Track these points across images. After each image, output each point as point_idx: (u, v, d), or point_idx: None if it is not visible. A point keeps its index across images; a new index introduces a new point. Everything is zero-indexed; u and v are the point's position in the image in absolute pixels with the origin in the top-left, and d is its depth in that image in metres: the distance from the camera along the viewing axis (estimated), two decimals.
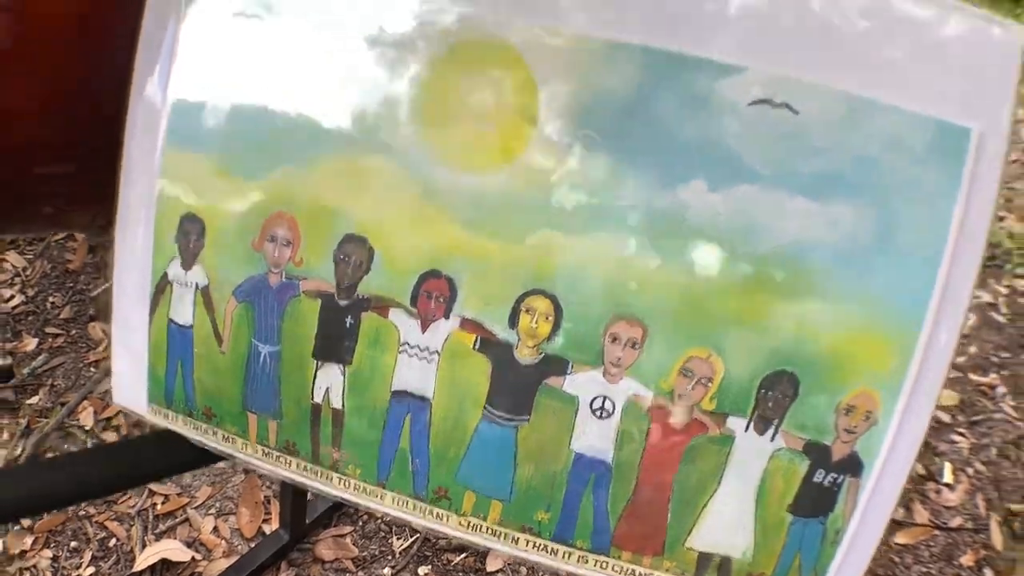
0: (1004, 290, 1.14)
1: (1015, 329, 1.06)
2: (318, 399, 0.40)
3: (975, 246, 0.33)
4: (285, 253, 0.38)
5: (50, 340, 0.95)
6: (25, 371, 0.89)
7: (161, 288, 0.42)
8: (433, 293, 0.36)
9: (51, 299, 0.99)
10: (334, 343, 0.39)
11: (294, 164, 0.37)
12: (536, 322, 0.35)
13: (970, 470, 0.86)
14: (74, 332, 0.95)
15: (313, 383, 0.40)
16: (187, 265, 0.41)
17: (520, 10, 0.34)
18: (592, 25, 0.33)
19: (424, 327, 0.37)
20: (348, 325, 0.38)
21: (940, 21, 0.32)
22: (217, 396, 0.42)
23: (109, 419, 0.86)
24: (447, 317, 0.36)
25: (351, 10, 0.36)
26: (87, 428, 0.84)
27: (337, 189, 0.37)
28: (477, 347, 0.36)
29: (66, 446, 0.82)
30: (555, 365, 0.36)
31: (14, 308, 0.96)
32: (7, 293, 0.98)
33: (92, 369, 0.90)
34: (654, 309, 0.34)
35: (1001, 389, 0.97)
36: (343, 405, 0.39)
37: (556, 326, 0.35)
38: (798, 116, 0.32)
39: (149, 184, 0.41)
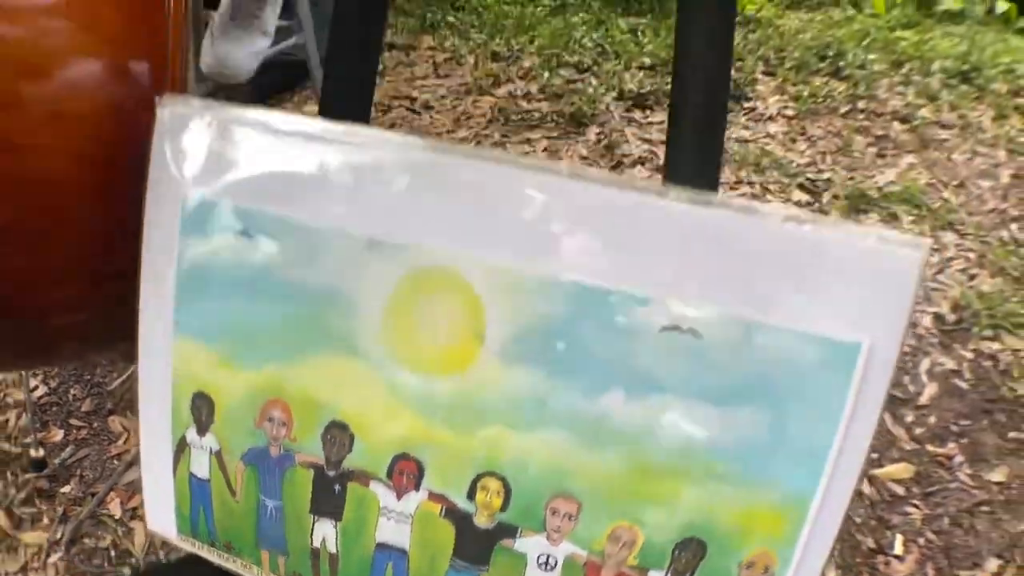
0: (969, 355, 1.19)
1: (978, 395, 1.12)
2: (316, 544, 0.47)
3: (862, 438, 0.38)
4: (282, 431, 0.46)
5: (74, 432, 1.03)
6: (56, 461, 0.97)
7: (181, 449, 0.49)
8: (404, 471, 0.44)
9: (72, 391, 1.08)
10: (326, 504, 0.46)
11: (284, 362, 0.45)
12: (490, 498, 0.43)
13: (921, 540, 0.92)
14: (96, 425, 1.03)
15: (312, 533, 0.47)
16: (201, 432, 0.48)
17: (468, 246, 0.42)
18: (529, 263, 0.41)
19: (399, 496, 0.44)
20: (336, 491, 0.46)
21: (839, 246, 0.37)
22: (234, 534, 0.50)
23: (135, 509, 0.94)
24: (417, 489, 0.44)
25: (326, 244, 0.44)
26: (116, 517, 0.92)
27: (321, 384, 0.44)
28: (443, 514, 0.44)
29: (99, 532, 0.90)
30: (507, 530, 0.43)
31: (39, 399, 1.05)
32: (32, 383, 1.06)
33: (115, 461, 0.98)
34: (586, 490, 0.41)
35: (959, 458, 1.03)
36: (337, 551, 0.47)
37: (506, 500, 0.42)
38: (702, 339, 0.39)
39: (164, 366, 0.48)
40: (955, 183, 1.76)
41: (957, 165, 1.83)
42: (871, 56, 2.31)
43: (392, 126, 1.93)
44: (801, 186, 1.69)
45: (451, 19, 2.46)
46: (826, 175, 1.74)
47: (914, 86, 2.17)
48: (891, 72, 2.25)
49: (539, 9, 2.57)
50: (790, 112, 1.96)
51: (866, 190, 1.68)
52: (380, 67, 2.12)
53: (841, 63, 2.24)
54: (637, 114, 1.91)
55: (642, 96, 1.97)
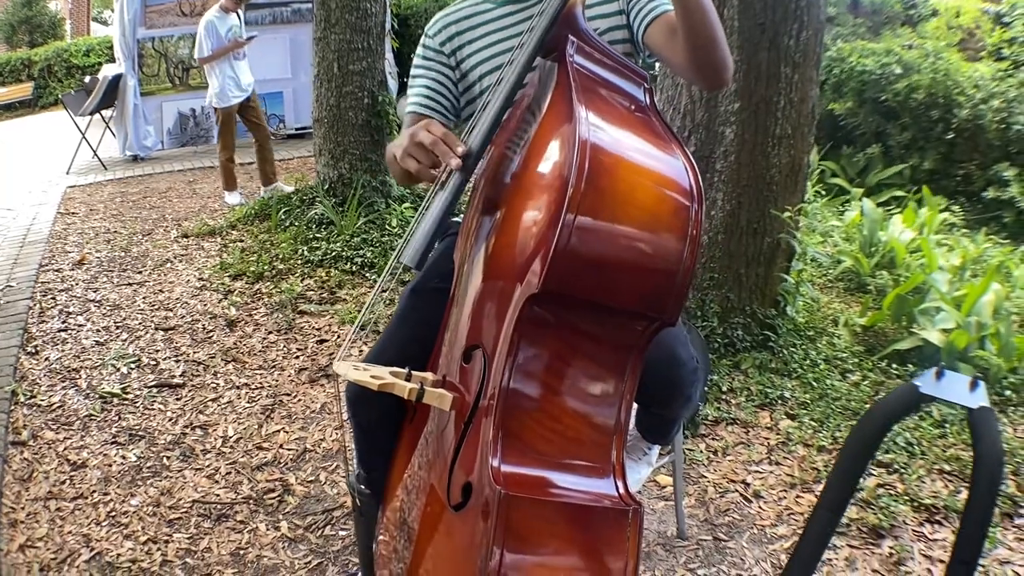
0: None
1: None
2: None
3: None
4: None
5: None
6: None
7: None
8: None
9: None
10: None
11: None
12: None
13: None
14: None
15: None
16: None
17: None
18: None
19: None
20: None
21: None
22: None
23: None
24: None
25: None
26: None
27: None
28: None
29: None
30: None
31: None
32: None
33: None
34: None
35: None
36: None
37: None
38: None
39: None
40: None
41: None
42: None
43: (727, 510, 2.57)
44: None
45: (787, 395, 3.10)
46: None
47: None
48: None
49: (863, 384, 3.12)
50: None
51: None
52: (723, 443, 2.81)
53: None
54: (926, 529, 2.38)
55: (935, 509, 2.44)
